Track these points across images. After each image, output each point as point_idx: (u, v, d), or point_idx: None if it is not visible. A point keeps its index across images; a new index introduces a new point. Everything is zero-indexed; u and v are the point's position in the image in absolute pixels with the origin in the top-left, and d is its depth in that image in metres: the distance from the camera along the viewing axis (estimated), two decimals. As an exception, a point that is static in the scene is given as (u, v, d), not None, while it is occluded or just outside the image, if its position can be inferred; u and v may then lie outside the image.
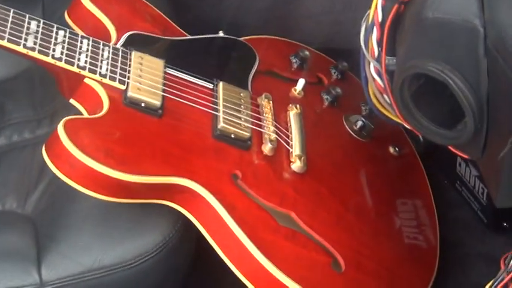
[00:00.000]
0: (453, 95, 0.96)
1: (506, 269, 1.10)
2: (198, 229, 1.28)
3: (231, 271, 1.25)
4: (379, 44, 1.05)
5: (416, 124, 1.06)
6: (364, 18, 1.10)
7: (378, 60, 1.07)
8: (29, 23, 1.29)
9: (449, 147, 1.09)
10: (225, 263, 1.26)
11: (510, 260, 1.11)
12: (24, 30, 1.28)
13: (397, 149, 1.53)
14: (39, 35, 1.29)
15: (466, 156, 1.10)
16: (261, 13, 1.74)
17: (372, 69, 1.10)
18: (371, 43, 1.07)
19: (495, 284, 1.10)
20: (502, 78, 0.90)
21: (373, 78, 1.11)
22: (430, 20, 0.96)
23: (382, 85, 1.09)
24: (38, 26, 1.30)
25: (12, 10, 1.29)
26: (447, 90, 0.97)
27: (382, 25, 1.04)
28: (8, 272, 1.29)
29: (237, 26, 1.57)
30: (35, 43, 1.27)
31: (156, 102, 1.31)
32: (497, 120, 0.95)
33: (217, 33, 1.49)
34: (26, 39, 1.27)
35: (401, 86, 1.03)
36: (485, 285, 1.12)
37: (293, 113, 1.41)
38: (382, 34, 1.05)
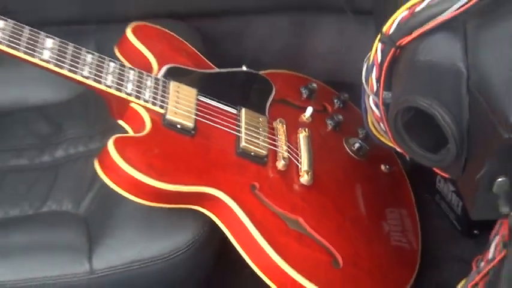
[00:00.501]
0: (439, 125, 0.96)
1: (477, 270, 1.09)
2: (222, 230, 1.28)
3: (249, 266, 1.26)
4: (378, 81, 1.05)
5: (407, 149, 1.06)
6: (365, 59, 1.09)
7: (377, 94, 1.06)
8: (85, 56, 1.29)
9: (434, 168, 1.09)
10: (244, 259, 1.26)
11: (481, 262, 1.10)
12: (81, 61, 1.28)
13: (387, 166, 1.52)
14: (94, 66, 1.29)
15: (447, 176, 1.09)
16: (276, 52, 1.74)
17: (371, 101, 1.10)
18: (371, 80, 1.07)
19: (467, 283, 1.10)
20: (481, 113, 0.90)
21: (372, 109, 1.11)
22: (421, 63, 0.96)
23: (379, 115, 1.09)
24: (93, 59, 1.30)
25: (71, 44, 1.29)
26: (434, 121, 0.96)
27: (381, 65, 1.04)
28: (64, 261, 1.29)
29: (257, 61, 1.55)
30: (90, 73, 1.28)
31: (190, 124, 1.31)
32: (475, 148, 0.95)
33: (241, 67, 1.49)
34: (82, 70, 1.27)
35: (395, 117, 1.03)
36: (458, 284, 1.13)
37: (302, 135, 1.41)
38: (381, 73, 1.04)
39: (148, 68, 1.39)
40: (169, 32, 1.49)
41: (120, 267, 1.29)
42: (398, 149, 1.10)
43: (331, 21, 1.72)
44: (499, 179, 0.88)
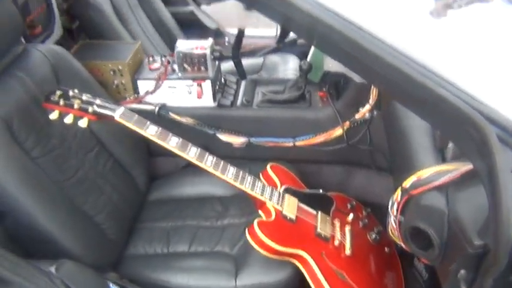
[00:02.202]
0: (429, 237, 0.93)
1: None
2: (303, 274, 1.28)
3: None
4: (397, 210, 1.03)
5: (408, 246, 1.02)
6: (391, 197, 1.05)
7: (395, 216, 1.03)
8: (245, 176, 1.34)
9: (422, 258, 1.04)
10: None
11: None
12: (244, 179, 1.33)
13: (388, 249, 1.47)
14: (251, 182, 1.34)
15: (429, 262, 1.03)
16: (335, 183, 1.73)
17: (391, 219, 1.06)
18: (393, 208, 1.04)
19: None
20: (454, 235, 0.88)
21: (391, 223, 1.07)
22: (422, 205, 0.94)
23: (395, 227, 1.06)
24: (251, 178, 1.35)
25: (241, 170, 1.35)
26: (426, 234, 0.94)
27: (399, 203, 1.02)
28: (221, 278, 1.31)
29: (325, 186, 1.54)
30: (249, 185, 1.33)
31: (293, 217, 1.33)
32: (449, 252, 0.92)
33: (319, 190, 1.50)
34: (245, 183, 1.33)
35: (405, 230, 1.00)
36: None
37: (347, 228, 1.40)
38: (398, 206, 1.02)
39: (275, 185, 1.42)
40: (286, 168, 1.52)
41: (250, 285, 1.29)
42: (403, 245, 1.06)
43: (363, 171, 1.69)
44: (462, 271, 0.86)
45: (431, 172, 0.96)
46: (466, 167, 0.91)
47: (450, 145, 1.02)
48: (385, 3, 1.07)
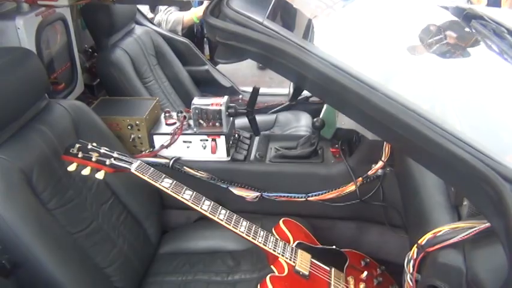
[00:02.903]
0: None
1: None
2: None
3: None
4: (413, 267, 1.00)
5: None
6: (407, 255, 1.02)
7: (412, 274, 1.01)
8: (258, 231, 1.32)
9: None
10: None
11: None
12: (256, 234, 1.32)
13: None
14: (264, 237, 1.32)
15: None
16: (348, 239, 1.69)
17: (408, 277, 1.03)
18: (409, 266, 1.01)
19: None
20: None
21: (408, 281, 1.03)
22: (439, 263, 0.92)
23: (412, 286, 1.02)
24: (264, 233, 1.33)
25: (254, 225, 1.34)
26: None
27: (415, 260, 0.99)
28: None
29: (337, 244, 1.50)
30: (262, 239, 1.31)
31: (306, 273, 1.29)
32: None
33: (332, 246, 1.47)
34: (258, 238, 1.30)
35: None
36: None
37: (362, 286, 1.36)
38: (415, 263, 0.99)
39: (288, 240, 1.40)
40: (298, 224, 1.50)
41: None
42: None
43: (377, 228, 1.66)
44: None
45: (447, 229, 0.95)
46: (482, 224, 0.90)
47: (465, 202, 1.01)
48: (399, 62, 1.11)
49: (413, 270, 1.01)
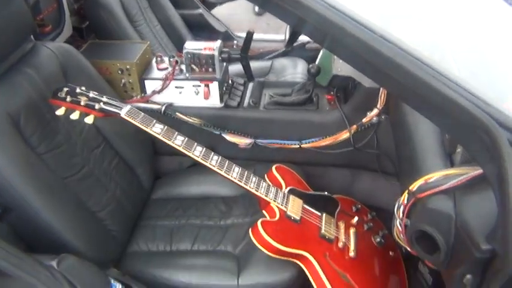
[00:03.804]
0: (435, 241, 0.91)
1: None
2: (306, 274, 1.25)
3: None
4: (403, 212, 1.00)
5: (415, 249, 1.00)
6: (397, 200, 1.03)
7: (401, 219, 1.01)
8: (251, 177, 1.32)
9: (428, 262, 1.02)
10: None
11: None
12: (249, 180, 1.32)
13: (392, 253, 1.44)
14: (256, 183, 1.32)
15: (435, 267, 1.01)
16: (340, 185, 1.70)
17: (397, 222, 1.04)
18: (399, 211, 1.02)
19: None
20: (461, 240, 0.86)
21: (397, 226, 1.05)
22: (429, 209, 0.92)
23: (401, 230, 1.03)
24: (256, 179, 1.34)
25: (246, 171, 1.33)
26: (432, 238, 0.92)
27: (405, 206, 1.00)
28: (224, 278, 1.28)
29: (330, 189, 1.52)
30: (254, 185, 1.31)
31: (297, 218, 1.31)
32: (455, 257, 0.90)
33: (324, 192, 1.48)
34: (250, 183, 1.31)
35: (411, 233, 0.98)
36: None
37: (352, 231, 1.37)
38: (405, 209, 1.00)
39: (280, 186, 1.40)
40: (291, 170, 1.50)
41: (253, 285, 1.27)
42: (408, 249, 1.04)
43: (369, 175, 1.67)
44: (468, 276, 0.85)
45: (439, 176, 0.94)
46: (474, 171, 0.89)
47: (459, 150, 0.99)
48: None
49: (403, 215, 1.02)
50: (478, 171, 0.88)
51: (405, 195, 1.00)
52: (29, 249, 1.09)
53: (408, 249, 1.04)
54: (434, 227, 0.91)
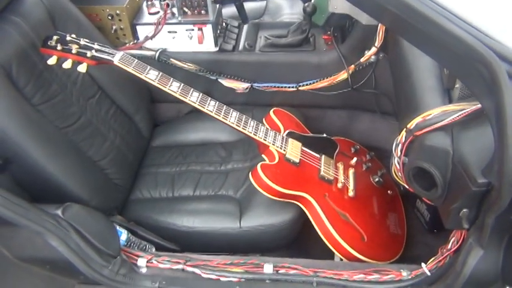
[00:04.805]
0: (432, 177, 0.94)
1: (441, 254, 1.06)
2: (307, 215, 1.28)
3: (319, 235, 1.26)
4: (401, 150, 1.02)
5: (412, 187, 1.03)
6: (395, 139, 1.05)
7: (399, 157, 1.03)
8: (248, 121, 1.33)
9: (425, 199, 1.05)
10: (316, 231, 1.26)
11: (443, 250, 1.06)
12: (247, 124, 1.32)
13: (390, 191, 1.48)
14: (254, 127, 1.33)
15: (432, 203, 1.04)
16: (339, 127, 1.70)
17: (395, 161, 1.05)
18: (397, 150, 1.03)
19: (435, 260, 1.07)
20: (457, 174, 0.88)
21: (395, 165, 1.06)
22: (427, 146, 0.94)
23: (399, 168, 1.05)
24: (254, 123, 1.34)
25: (244, 115, 1.32)
26: (429, 175, 0.94)
27: (403, 144, 1.01)
28: (226, 221, 1.32)
29: (329, 131, 1.53)
30: (252, 129, 1.32)
31: (297, 160, 1.32)
32: (452, 192, 0.92)
33: (323, 134, 1.49)
34: (249, 128, 1.31)
35: (408, 171, 1.00)
36: (429, 261, 1.08)
37: (351, 171, 1.39)
38: (403, 147, 1.01)
39: (278, 130, 1.41)
40: (289, 113, 1.50)
41: (254, 227, 1.31)
42: (407, 186, 1.06)
43: (367, 115, 1.66)
44: (464, 210, 0.87)
45: (436, 112, 0.94)
46: (472, 106, 0.89)
47: (457, 85, 0.99)
48: None
49: (400, 153, 1.03)
50: (475, 106, 0.88)
51: (403, 133, 1.01)
52: (34, 201, 1.10)
53: (406, 186, 1.07)
54: (432, 163, 0.92)
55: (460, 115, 0.90)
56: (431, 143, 0.93)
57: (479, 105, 0.85)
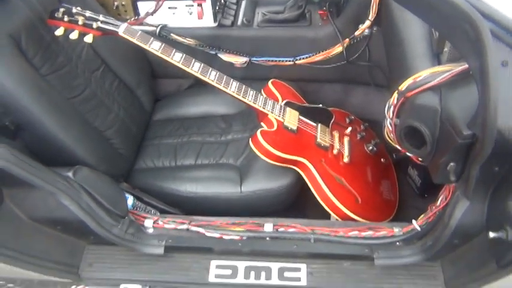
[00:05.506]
0: (422, 136, 0.99)
1: (430, 210, 1.11)
2: (304, 180, 1.33)
3: (316, 198, 1.31)
4: (393, 112, 1.07)
5: (404, 146, 1.08)
6: (387, 101, 1.10)
7: (391, 119, 1.08)
8: (248, 91, 1.36)
9: (414, 157, 1.10)
10: (313, 194, 1.31)
11: (432, 207, 1.12)
12: (247, 94, 1.36)
13: (383, 159, 1.53)
14: (254, 96, 1.36)
15: (421, 162, 1.08)
16: (334, 100, 1.73)
17: (387, 122, 1.10)
18: (389, 111, 1.08)
19: (424, 216, 1.12)
20: (445, 131, 0.93)
21: (388, 126, 1.11)
22: (417, 105, 0.99)
23: (391, 130, 1.10)
24: (254, 93, 1.37)
25: (244, 85, 1.37)
26: (419, 133, 0.99)
27: (395, 105, 1.06)
28: (227, 186, 1.36)
29: (325, 103, 1.58)
30: (252, 98, 1.36)
31: (294, 128, 1.37)
32: (440, 148, 0.97)
33: (319, 104, 1.54)
34: (248, 97, 1.35)
35: (400, 131, 1.06)
36: (418, 218, 1.13)
37: (346, 139, 1.44)
38: (394, 109, 1.06)
39: (276, 100, 1.46)
40: (287, 85, 1.55)
41: (254, 191, 1.35)
42: (398, 147, 1.11)
43: (362, 89, 1.70)
44: (451, 163, 0.92)
45: (426, 74, 0.99)
46: (459, 67, 0.94)
47: (446, 49, 1.04)
48: None
49: (393, 115, 1.08)
50: (462, 66, 0.93)
51: (395, 95, 1.06)
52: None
53: (398, 147, 1.12)
54: (422, 122, 0.98)
55: (448, 75, 0.94)
56: (421, 102, 0.97)
57: (466, 66, 0.90)
